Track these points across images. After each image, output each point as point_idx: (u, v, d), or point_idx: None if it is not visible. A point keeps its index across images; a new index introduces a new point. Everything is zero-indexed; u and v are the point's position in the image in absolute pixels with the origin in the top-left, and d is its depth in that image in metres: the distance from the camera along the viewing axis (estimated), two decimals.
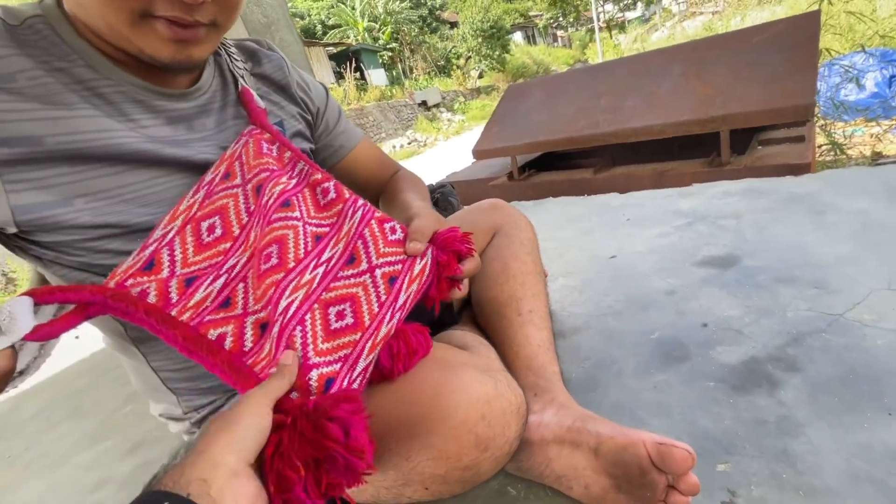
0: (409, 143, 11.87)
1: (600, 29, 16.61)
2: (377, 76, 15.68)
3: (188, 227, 0.52)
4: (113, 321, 0.55)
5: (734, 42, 1.86)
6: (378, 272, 0.55)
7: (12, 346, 0.38)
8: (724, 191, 1.56)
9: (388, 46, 17.08)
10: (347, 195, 0.62)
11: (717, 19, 15.91)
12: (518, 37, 30.35)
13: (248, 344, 0.47)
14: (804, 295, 0.92)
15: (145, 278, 0.48)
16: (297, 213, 0.56)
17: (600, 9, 26.99)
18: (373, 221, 0.60)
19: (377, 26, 17.33)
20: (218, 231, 0.53)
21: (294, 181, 0.61)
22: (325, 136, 0.77)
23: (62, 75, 0.47)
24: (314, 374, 0.45)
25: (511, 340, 0.74)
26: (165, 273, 0.49)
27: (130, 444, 1.21)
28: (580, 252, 1.40)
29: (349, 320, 0.50)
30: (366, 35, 16.86)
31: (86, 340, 1.60)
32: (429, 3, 22.57)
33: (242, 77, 0.65)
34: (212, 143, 0.58)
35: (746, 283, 1.01)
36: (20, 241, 0.49)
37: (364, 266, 0.56)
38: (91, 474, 1.12)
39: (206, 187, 0.55)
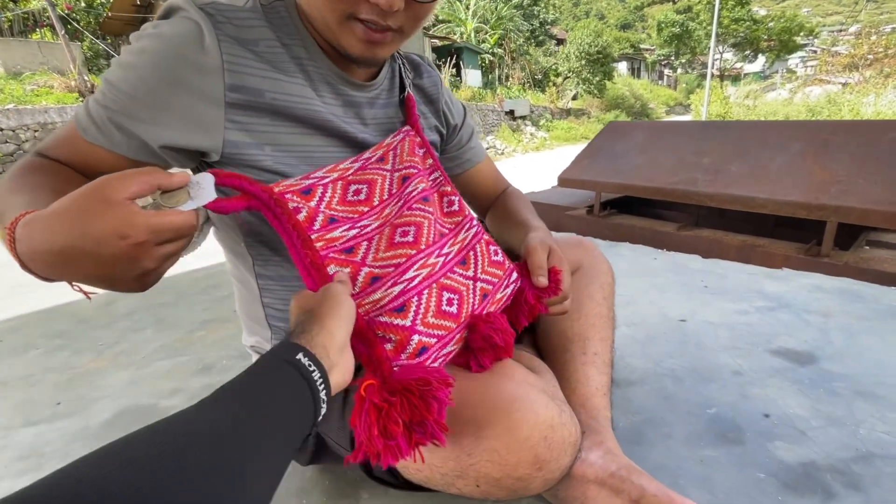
0: (487, 149, 11.95)
1: (712, 76, 15.79)
2: (473, 76, 15.89)
3: (340, 182, 0.63)
4: (246, 252, 0.66)
5: (865, 132, 1.74)
6: (478, 284, 0.65)
7: (195, 211, 0.44)
8: (816, 284, 1.49)
9: (490, 50, 17.24)
10: (467, 212, 0.72)
11: (846, 91, 14.62)
12: (622, 66, 29.56)
13: (356, 289, 0.57)
14: (884, 416, 0.89)
15: (300, 200, 0.58)
16: (431, 210, 0.66)
17: (717, 56, 25.67)
18: (482, 241, 0.69)
19: (486, 28, 17.55)
20: (362, 196, 0.64)
21: (429, 184, 0.70)
22: (457, 149, 0.86)
23: (287, 49, 0.59)
24: (415, 338, 0.54)
25: (570, 376, 0.78)
26: (314, 203, 0.59)
27: (202, 365, 1.36)
28: (650, 306, 1.40)
29: (454, 309, 0.60)
30: (472, 35, 17.12)
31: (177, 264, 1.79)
32: (541, 16, 22.51)
33: (409, 86, 0.74)
34: (370, 131, 0.69)
35: (821, 385, 0.98)
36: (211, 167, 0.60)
37: (471, 273, 0.65)
38: (167, 382, 1.28)
39: (362, 161, 0.66)
